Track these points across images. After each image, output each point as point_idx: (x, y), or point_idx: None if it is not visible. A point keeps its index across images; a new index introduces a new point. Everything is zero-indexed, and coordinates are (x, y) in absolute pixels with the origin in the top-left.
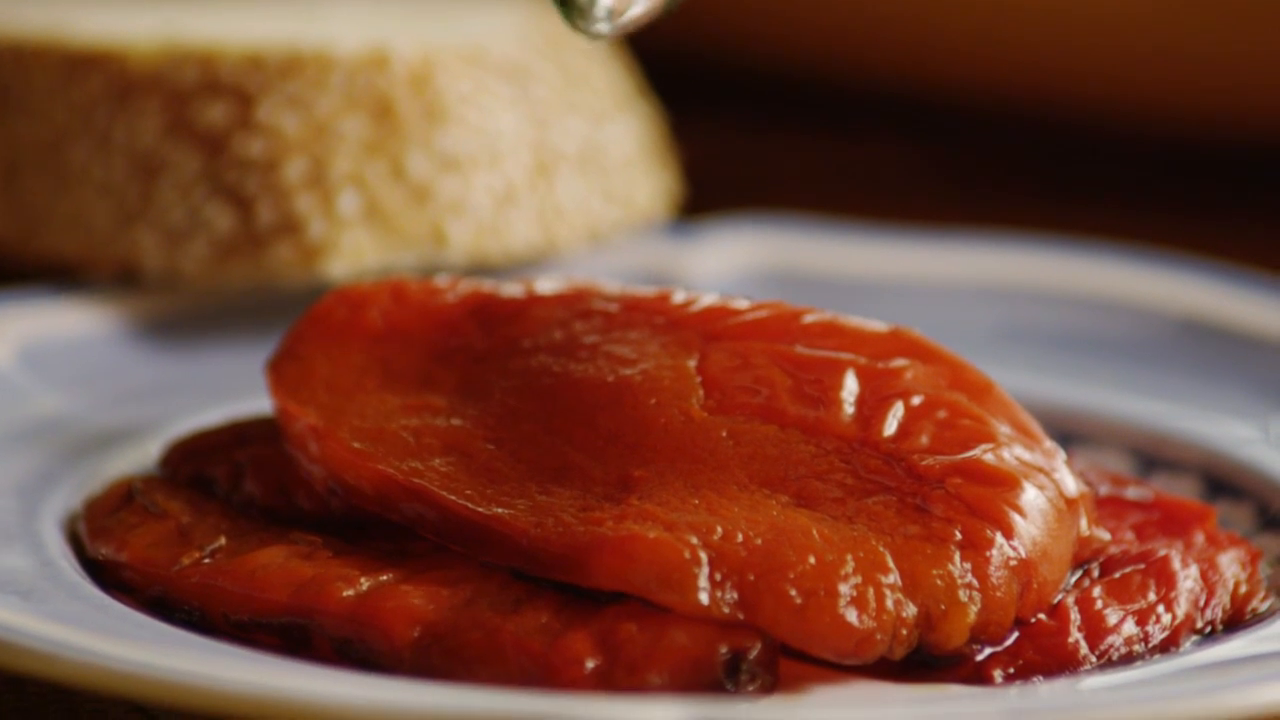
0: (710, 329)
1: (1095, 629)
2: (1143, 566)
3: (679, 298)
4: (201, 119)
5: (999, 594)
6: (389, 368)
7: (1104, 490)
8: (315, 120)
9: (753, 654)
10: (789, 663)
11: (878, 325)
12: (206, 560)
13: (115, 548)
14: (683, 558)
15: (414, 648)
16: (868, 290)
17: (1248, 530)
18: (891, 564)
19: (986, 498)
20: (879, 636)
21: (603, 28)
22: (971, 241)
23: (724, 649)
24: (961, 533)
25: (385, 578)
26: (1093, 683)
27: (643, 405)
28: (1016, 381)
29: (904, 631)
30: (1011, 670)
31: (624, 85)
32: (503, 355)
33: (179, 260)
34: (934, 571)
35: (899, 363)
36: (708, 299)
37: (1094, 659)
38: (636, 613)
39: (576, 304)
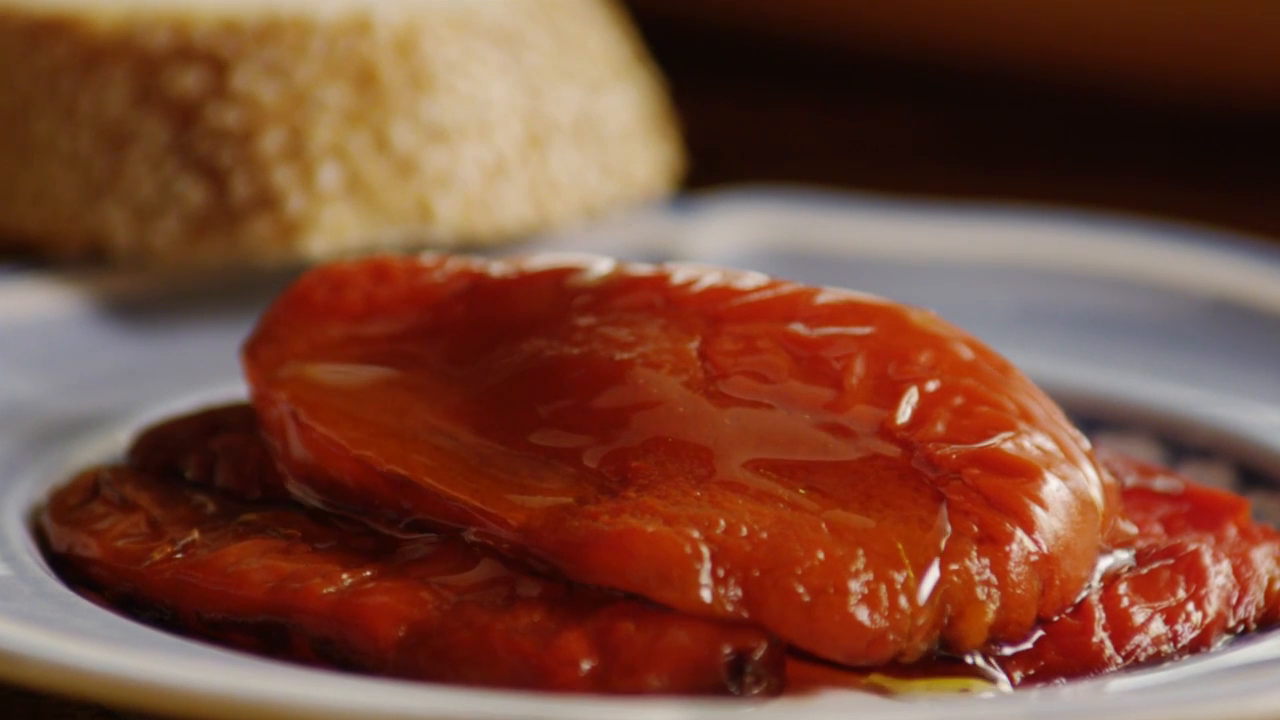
0: (713, 310)
1: (1121, 628)
2: (1172, 562)
3: (679, 277)
4: (173, 87)
5: (1019, 591)
6: (372, 351)
7: (1130, 481)
8: (294, 88)
9: (758, 655)
10: (796, 664)
11: (890, 305)
12: (179, 555)
13: (82, 542)
14: (683, 553)
15: (399, 648)
16: (879, 269)
17: None
18: (905, 559)
19: (1005, 489)
20: (892, 636)
21: None
22: (989, 217)
23: (727, 649)
24: (979, 526)
25: (368, 574)
26: (1119, 685)
27: (641, 391)
28: (1037, 365)
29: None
30: (1032, 672)
31: (622, 52)
32: (492, 337)
33: (149, 237)
34: (950, 567)
35: (913, 346)
36: (710, 278)
37: (1120, 660)
38: (634, 611)
39: (571, 284)
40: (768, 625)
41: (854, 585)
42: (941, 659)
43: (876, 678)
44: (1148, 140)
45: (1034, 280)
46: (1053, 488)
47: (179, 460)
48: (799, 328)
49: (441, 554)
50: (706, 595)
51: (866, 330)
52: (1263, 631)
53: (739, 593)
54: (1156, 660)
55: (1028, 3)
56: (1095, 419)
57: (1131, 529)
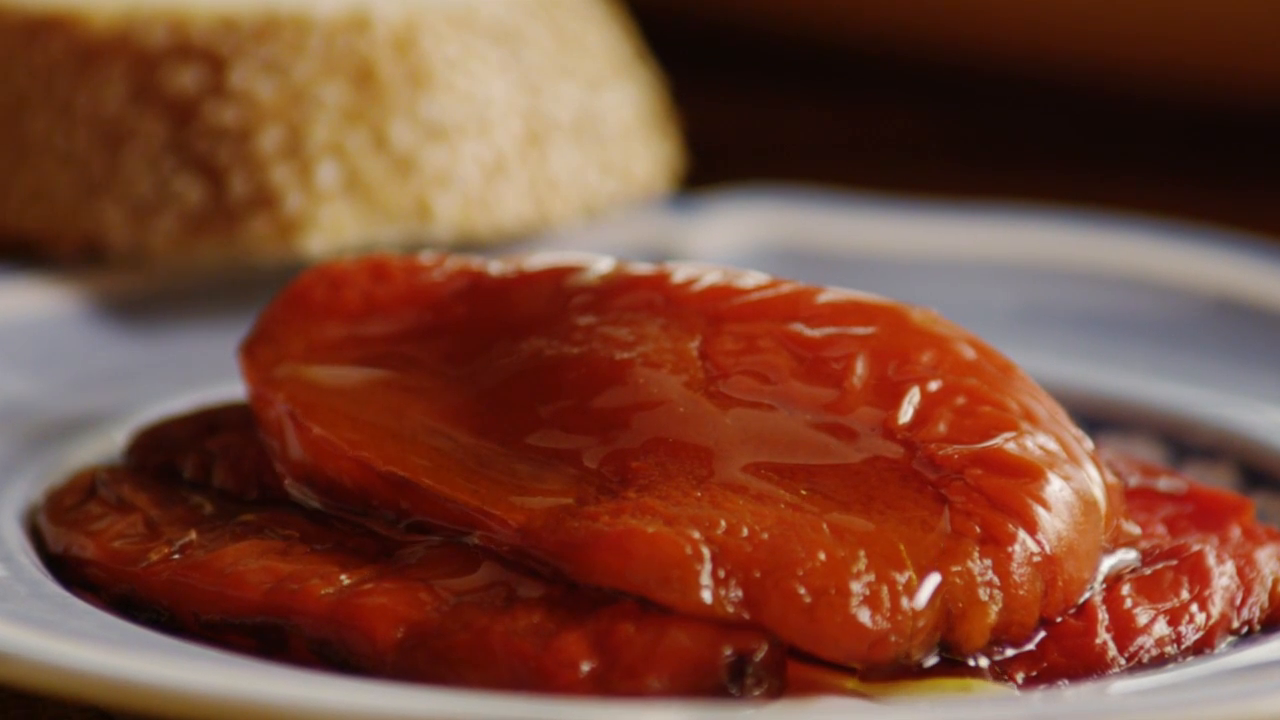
0: (713, 309)
1: (1124, 629)
2: (1175, 563)
3: (679, 276)
4: (170, 85)
5: (1021, 592)
6: (370, 351)
7: (1134, 481)
8: (292, 86)
9: (759, 656)
10: (797, 665)
11: (891, 305)
12: (176, 556)
13: (79, 543)
14: (683, 554)
15: (398, 650)
16: (880, 267)
17: None
18: (907, 561)
19: (1008, 489)
20: (893, 638)
21: None
22: (991, 215)
23: (728, 651)
24: (981, 527)
25: (367, 575)
26: (1122, 686)
27: (641, 391)
28: (1039, 365)
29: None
30: (1035, 673)
31: (622, 49)
32: (491, 337)
33: (146, 235)
34: (952, 569)
35: (914, 345)
36: (710, 277)
37: (1123, 661)
38: (634, 612)
39: (570, 283)
40: (769, 626)
41: (855, 586)
42: (944, 661)
43: (864, 684)
44: (1149, 139)
45: (1036, 280)
46: (1055, 488)
47: (176, 460)
48: (800, 327)
49: (441, 556)
50: (707, 596)
51: (868, 330)
52: (1267, 633)
53: (740, 594)
54: (1160, 662)
55: (1028, 2)
56: (1098, 419)
57: (1135, 529)
